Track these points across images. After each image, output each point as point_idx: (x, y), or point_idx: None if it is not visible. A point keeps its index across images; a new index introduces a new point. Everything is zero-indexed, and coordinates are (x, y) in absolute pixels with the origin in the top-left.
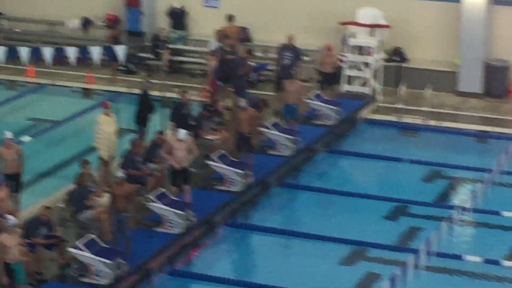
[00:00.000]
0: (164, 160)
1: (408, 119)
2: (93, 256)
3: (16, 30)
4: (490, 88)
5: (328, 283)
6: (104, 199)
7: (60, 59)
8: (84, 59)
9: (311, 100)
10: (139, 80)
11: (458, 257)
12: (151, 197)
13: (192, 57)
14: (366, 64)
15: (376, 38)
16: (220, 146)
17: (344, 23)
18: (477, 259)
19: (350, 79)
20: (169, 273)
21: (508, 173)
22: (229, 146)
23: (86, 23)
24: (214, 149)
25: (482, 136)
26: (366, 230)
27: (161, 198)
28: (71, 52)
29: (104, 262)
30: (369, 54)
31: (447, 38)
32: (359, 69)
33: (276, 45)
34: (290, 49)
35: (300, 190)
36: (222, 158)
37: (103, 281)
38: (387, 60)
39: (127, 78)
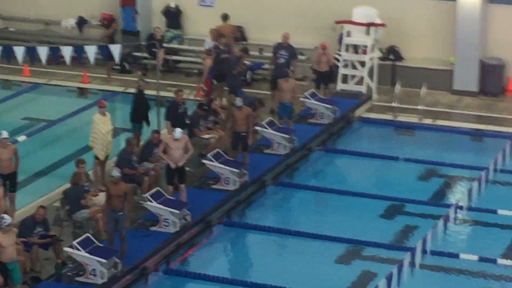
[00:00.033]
0: (160, 159)
1: (403, 118)
2: (89, 255)
3: (11, 29)
4: (485, 86)
5: (324, 281)
6: (100, 198)
7: (55, 58)
8: (79, 59)
9: (307, 98)
10: (135, 79)
11: (454, 256)
12: (147, 196)
13: (188, 56)
14: (362, 63)
15: (371, 37)
16: (215, 145)
17: (339, 22)
18: (473, 257)
19: (345, 78)
20: (165, 272)
21: (504, 171)
22: (225, 145)
23: (81, 22)
24: (210, 148)
25: (477, 135)
26: (362, 228)
27: (157, 197)
28: (66, 52)
29: (99, 261)
30: (364, 52)
31: (442, 37)
32: (355, 68)
33: (271, 44)
34: (285, 48)
35: (295, 188)
36: (218, 157)
37: (99, 280)
38: (382, 59)
39: (123, 78)
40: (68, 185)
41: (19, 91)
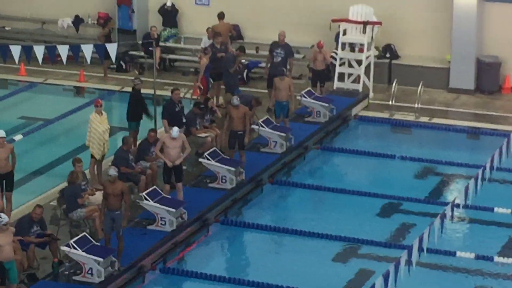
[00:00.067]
0: (157, 158)
1: (400, 116)
2: (86, 254)
3: (7, 28)
4: (482, 84)
5: (321, 280)
6: (96, 197)
7: (51, 57)
8: (75, 58)
9: (303, 97)
10: (131, 78)
11: (451, 254)
12: (143, 195)
13: (184, 55)
14: (358, 61)
15: (368, 35)
16: (212, 144)
17: (335, 20)
18: (470, 255)
19: (342, 76)
20: (162, 270)
21: (501, 169)
22: (221, 143)
23: (78, 21)
24: (206, 146)
25: (474, 133)
26: (359, 226)
27: (153, 196)
28: (63, 51)
29: (96, 260)
30: (361, 51)
31: (439, 35)
32: (351, 66)
33: (268, 43)
34: (281, 47)
35: (292, 187)
36: (214, 156)
37: (96, 279)
38: (378, 57)
39: (119, 76)
40: (65, 184)
41: (15, 90)
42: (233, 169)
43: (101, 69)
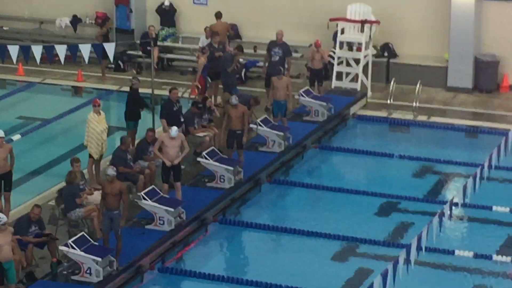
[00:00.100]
0: (156, 158)
1: (398, 115)
2: (84, 254)
3: (5, 28)
4: (480, 83)
5: (320, 279)
6: (95, 197)
7: (49, 57)
8: (73, 57)
9: (301, 96)
10: (129, 77)
11: (449, 252)
12: (142, 194)
13: (182, 54)
14: (356, 60)
15: (365, 34)
16: (210, 143)
17: (333, 19)
18: (468, 254)
19: (340, 75)
20: (160, 270)
21: (499, 168)
22: (219, 143)
23: (76, 21)
24: (204, 146)
25: (472, 131)
26: (357, 226)
27: (152, 195)
28: (61, 50)
29: (95, 260)
30: (359, 50)
31: (437, 34)
32: (349, 65)
33: (265, 42)
34: (279, 46)
35: (290, 186)
36: (213, 155)
37: (94, 279)
38: (376, 56)
39: (117, 76)
40: (63, 184)
41: (13, 90)
42: (231, 168)
43: (99, 68)
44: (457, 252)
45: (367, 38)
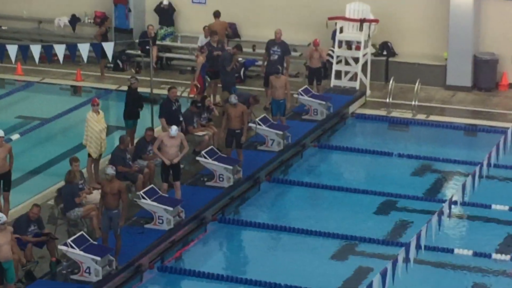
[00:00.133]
0: (155, 157)
1: (397, 113)
2: (83, 253)
3: (4, 28)
4: (479, 81)
5: (319, 277)
6: (94, 196)
7: (48, 56)
8: (72, 57)
9: (300, 95)
10: (128, 77)
11: (448, 251)
12: (141, 193)
13: (181, 53)
14: (355, 59)
15: (364, 33)
16: (209, 142)
17: (332, 18)
18: (467, 252)
19: (339, 74)
20: (159, 269)
21: (498, 166)
22: (219, 142)
23: (75, 20)
24: (203, 145)
25: (471, 130)
26: (356, 224)
27: (151, 194)
28: (60, 50)
29: (94, 259)
30: (357, 48)
31: (436, 32)
32: (348, 64)
33: (264, 41)
34: (278, 45)
35: (289, 185)
36: (212, 154)
37: (93, 278)
38: (375, 55)
39: (116, 75)
40: (62, 183)
41: (12, 90)
42: (230, 167)
43: (98, 68)
44: (456, 250)
45: (366, 37)
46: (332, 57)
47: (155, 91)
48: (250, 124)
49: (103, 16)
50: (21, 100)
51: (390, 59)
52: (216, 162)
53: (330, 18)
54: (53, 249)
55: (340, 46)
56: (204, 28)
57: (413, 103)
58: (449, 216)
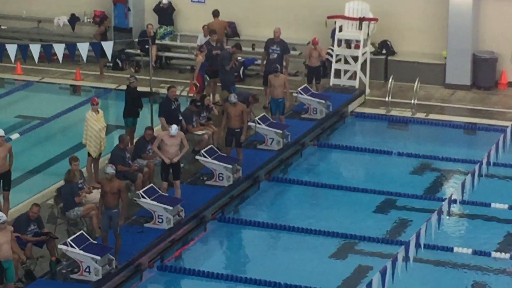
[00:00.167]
0: (154, 156)
1: (396, 112)
2: (83, 253)
3: (3, 27)
4: (478, 80)
5: (318, 276)
6: (94, 195)
7: (47, 56)
8: (71, 56)
9: (300, 94)
10: (127, 76)
11: (448, 249)
12: (140, 193)
13: (180, 52)
14: (354, 58)
15: (364, 32)
16: (208, 141)
17: (331, 17)
18: (467, 251)
19: (338, 73)
20: (159, 268)
21: (497, 164)
22: (218, 141)
23: (74, 19)
24: (203, 144)
25: (470, 128)
26: (356, 223)
27: (150, 193)
28: (59, 49)
29: (94, 258)
30: (357, 47)
31: (435, 31)
32: (347, 63)
33: (264, 40)
34: (277, 43)
35: (289, 184)
36: (211, 153)
37: (93, 277)
38: (374, 53)
39: (115, 75)
40: (62, 183)
41: (12, 89)
42: (230, 166)
43: (97, 67)
44: (456, 249)
45: (365, 36)
46: (332, 56)
47: (155, 90)
48: (249, 123)
49: (103, 16)
50: (21, 99)
51: (389, 57)
52: (215, 161)
53: (329, 17)
54: (53, 249)
55: (339, 45)
56: (203, 27)
57: (412, 101)
58: (449, 214)
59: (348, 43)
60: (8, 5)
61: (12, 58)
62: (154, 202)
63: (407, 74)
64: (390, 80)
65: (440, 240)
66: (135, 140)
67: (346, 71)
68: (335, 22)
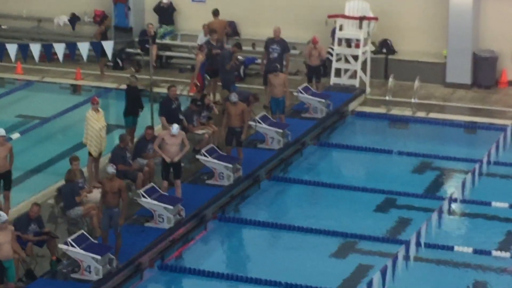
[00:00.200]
0: (155, 155)
1: (397, 111)
2: (84, 252)
3: (4, 27)
4: (479, 79)
5: (319, 275)
6: (94, 195)
7: (48, 55)
8: (72, 56)
9: (300, 93)
10: (128, 75)
11: (448, 248)
12: (141, 192)
13: (181, 52)
14: (354, 57)
15: (364, 31)
16: (209, 141)
17: (331, 16)
18: (467, 249)
19: (338, 72)
20: (160, 267)
21: (498, 163)
22: (219, 140)
23: (74, 19)
24: (204, 143)
25: (471, 127)
26: (356, 222)
27: (151, 193)
28: (59, 49)
29: (94, 258)
30: (357, 46)
31: (435, 30)
32: (348, 62)
33: (264, 39)
34: (277, 42)
35: (289, 183)
36: (212, 153)
37: (94, 277)
38: (375, 52)
39: (116, 74)
40: (62, 182)
41: (12, 89)
42: (230, 165)
43: (98, 67)
44: (456, 248)
45: (366, 35)
46: (332, 55)
47: (155, 89)
48: (250, 122)
49: (103, 15)
50: (21, 99)
51: (389, 56)
52: (216, 161)
53: (329, 16)
54: (53, 248)
55: (339, 44)
56: (203, 26)
57: (412, 100)
58: (449, 213)
59: (348, 42)
60: (9, 4)
61: (13, 58)
62: (155, 202)
63: (407, 73)
64: (391, 79)
65: (441, 239)
66: (135, 140)
67: (346, 70)
68: (335, 21)
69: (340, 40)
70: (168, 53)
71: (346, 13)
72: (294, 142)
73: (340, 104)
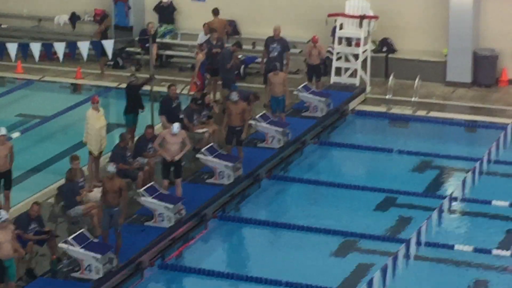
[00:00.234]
0: (155, 154)
1: (397, 110)
2: (84, 251)
3: (4, 26)
4: (479, 77)
5: (319, 274)
6: (94, 194)
7: (48, 54)
8: (72, 55)
9: (300, 92)
10: (128, 74)
11: (449, 247)
12: (141, 191)
13: (181, 51)
14: (355, 56)
15: (364, 29)
16: (209, 140)
17: (332, 15)
18: (468, 248)
19: (338, 71)
20: (160, 267)
21: (498, 162)
22: (219, 139)
23: (74, 18)
24: (204, 142)
25: (471, 126)
26: (356, 221)
27: (151, 192)
28: (60, 48)
29: (95, 257)
30: (357, 45)
31: (435, 29)
32: (348, 61)
33: (264, 38)
34: (277, 41)
35: (290, 182)
36: (212, 152)
37: (94, 276)
38: (375, 51)
39: (116, 73)
40: (62, 181)
41: (12, 88)
42: (230, 164)
43: (98, 66)
44: (456, 246)
45: (366, 33)
46: (332, 54)
47: (155, 88)
48: (250, 121)
49: (103, 14)
50: (21, 98)
51: (390, 55)
52: (216, 160)
53: (329, 15)
54: (53, 247)
55: (340, 43)
56: (203, 25)
57: (413, 99)
58: (449, 212)
59: (348, 41)
60: (9, 4)
61: (13, 57)
62: (155, 201)
63: (407, 72)
64: (391, 78)
65: (441, 238)
66: (135, 139)
67: (346, 69)
68: (335, 20)
69: (340, 39)
70: (168, 52)
71: (346, 12)
72: (294, 141)
73: (340, 103)
